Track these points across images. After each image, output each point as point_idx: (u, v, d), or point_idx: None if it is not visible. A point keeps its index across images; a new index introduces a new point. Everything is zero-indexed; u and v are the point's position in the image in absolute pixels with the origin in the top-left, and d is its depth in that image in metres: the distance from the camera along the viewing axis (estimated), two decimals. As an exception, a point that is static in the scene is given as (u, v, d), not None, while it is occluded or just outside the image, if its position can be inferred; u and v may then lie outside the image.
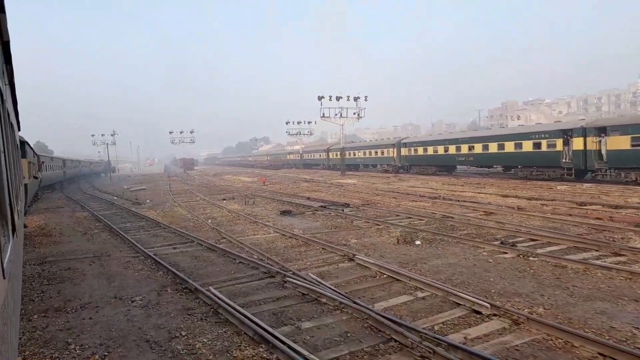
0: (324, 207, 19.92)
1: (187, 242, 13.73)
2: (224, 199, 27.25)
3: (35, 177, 23.21)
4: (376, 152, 57.64)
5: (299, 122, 76.90)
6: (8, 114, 4.55)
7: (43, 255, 12.47)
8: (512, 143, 34.59)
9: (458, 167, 45.36)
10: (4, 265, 2.36)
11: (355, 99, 46.35)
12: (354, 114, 47.21)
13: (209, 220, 17.95)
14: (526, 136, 33.66)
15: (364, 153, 61.99)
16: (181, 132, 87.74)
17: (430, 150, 44.46)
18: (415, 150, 47.09)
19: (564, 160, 29.69)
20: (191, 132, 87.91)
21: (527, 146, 33.29)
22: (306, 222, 16.65)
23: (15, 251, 3.55)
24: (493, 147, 36.48)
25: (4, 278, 2.27)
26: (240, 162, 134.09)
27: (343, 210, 18.56)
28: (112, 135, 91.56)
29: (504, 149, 35.36)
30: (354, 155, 63.96)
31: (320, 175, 53.73)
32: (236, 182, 44.97)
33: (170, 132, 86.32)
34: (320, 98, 45.20)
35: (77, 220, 20.55)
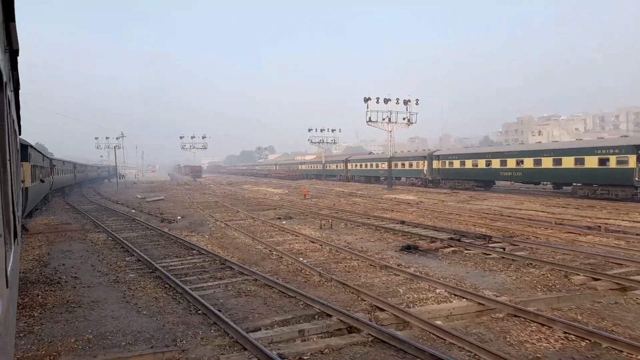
0: (456, 239, 13.68)
1: (316, 314, 7.44)
2: (279, 218, 21.01)
3: (42, 181, 20.93)
4: (403, 164, 53.23)
5: (322, 130, 70.93)
6: (13, 121, 4.57)
7: (51, 352, 6.17)
8: (572, 158, 30.52)
9: (497, 183, 41.94)
10: (8, 274, 2.29)
11: (405, 102, 40.31)
12: (404, 119, 41.05)
13: (301, 258, 11.69)
14: (589, 151, 29.51)
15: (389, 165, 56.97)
16: (192, 137, 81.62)
17: (469, 164, 40.71)
18: (451, 164, 43.32)
19: (637, 178, 26.12)
20: (203, 138, 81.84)
21: (591, 162, 29.23)
22: (474, 271, 10.36)
23: (15, 258, 3.52)
24: (547, 162, 32.39)
25: (7, 287, 2.21)
26: (246, 171, 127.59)
27: (504, 249, 12.27)
28: (117, 138, 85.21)
29: (560, 164, 31.30)
30: (377, 167, 58.88)
31: (355, 187, 47.47)
32: (267, 194, 38.68)
33: (181, 137, 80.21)
34: (366, 100, 39.16)
35: (95, 248, 14.22)
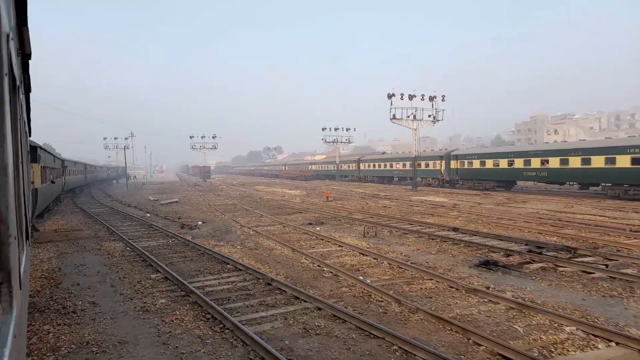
0: (536, 252, 11.64)
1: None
2: (310, 224, 19.06)
3: (53, 182, 21.10)
4: (419, 164, 51.45)
5: (336, 129, 68.99)
6: (24, 123, 4.60)
7: None
8: (602, 157, 29.23)
9: (518, 183, 41.54)
10: (21, 276, 2.30)
11: (431, 98, 38.21)
12: (429, 116, 38.96)
13: (360, 277, 9.70)
14: (621, 150, 28.16)
15: (404, 165, 55.72)
16: (202, 137, 79.89)
17: (490, 164, 39.72)
18: (470, 163, 42.42)
19: None
20: (213, 137, 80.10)
21: (623, 161, 27.97)
22: (591, 297, 8.28)
23: (27, 259, 3.55)
24: (575, 162, 31.14)
25: (20, 289, 2.20)
26: (254, 171, 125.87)
27: (607, 265, 10.21)
28: (126, 138, 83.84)
29: (589, 164, 30.00)
30: (391, 167, 58.09)
31: (375, 188, 45.36)
32: (286, 196, 36.72)
33: (191, 137, 78.49)
34: (390, 96, 37.09)
35: (113, 262, 12.30)
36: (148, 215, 24.22)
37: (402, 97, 37.13)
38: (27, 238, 3.58)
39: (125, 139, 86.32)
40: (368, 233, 15.42)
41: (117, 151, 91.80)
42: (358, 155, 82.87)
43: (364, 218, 20.37)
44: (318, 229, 17.58)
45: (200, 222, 20.30)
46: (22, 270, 2.46)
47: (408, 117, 37.75)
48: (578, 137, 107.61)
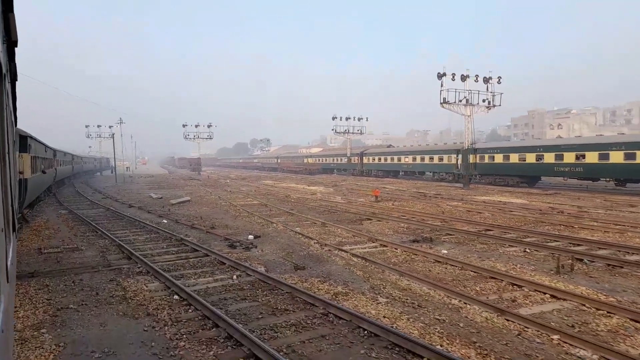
0: None
1: None
2: (416, 241, 13.22)
3: (44, 172, 20.73)
4: (431, 158, 49.02)
5: (347, 119, 63.11)
6: (10, 112, 4.46)
7: None
8: None
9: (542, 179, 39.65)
10: (8, 269, 2.28)
11: (486, 80, 32.62)
12: (484, 101, 33.43)
13: None
14: None
15: (414, 159, 52.23)
16: (197, 126, 72.84)
17: (515, 158, 37.32)
18: (492, 158, 39.85)
19: None
20: (208, 127, 73.11)
21: None
22: None
23: (14, 252, 3.48)
24: (617, 157, 28.88)
25: (7, 282, 2.18)
26: (246, 164, 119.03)
27: None
28: (110, 127, 76.26)
29: (634, 159, 27.69)
30: (399, 160, 54.91)
31: (408, 185, 39.73)
32: (318, 195, 30.61)
33: (184, 125, 71.36)
34: (440, 76, 31.38)
35: (165, 339, 6.09)
36: (164, 221, 17.97)
37: (453, 77, 31.42)
38: (14, 230, 3.51)
39: (110, 127, 78.85)
40: (564, 267, 9.58)
41: (100, 140, 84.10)
42: (361, 148, 77.76)
43: (480, 231, 14.60)
44: (445, 252, 11.72)
45: (251, 237, 14.18)
46: (8, 262, 2.43)
47: (460, 101, 32.05)
48: (582, 132, 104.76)
